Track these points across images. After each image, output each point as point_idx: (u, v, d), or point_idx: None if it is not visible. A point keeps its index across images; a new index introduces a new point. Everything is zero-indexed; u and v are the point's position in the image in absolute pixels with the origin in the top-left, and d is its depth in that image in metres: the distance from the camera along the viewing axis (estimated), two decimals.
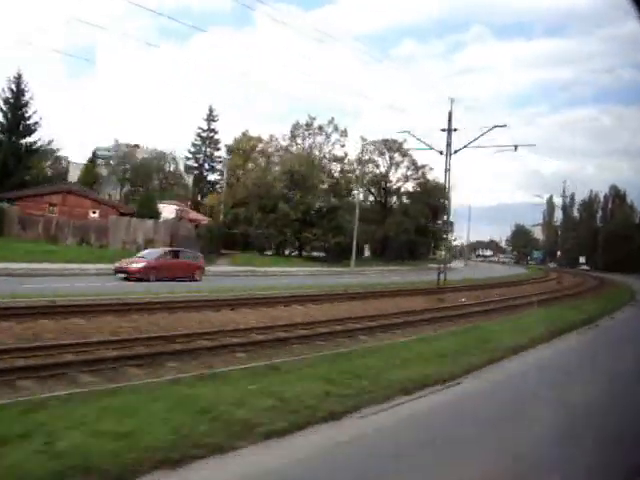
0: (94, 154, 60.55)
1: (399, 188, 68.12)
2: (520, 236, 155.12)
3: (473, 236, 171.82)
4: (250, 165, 51.59)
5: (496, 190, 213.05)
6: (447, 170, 29.62)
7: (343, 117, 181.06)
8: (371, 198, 69.81)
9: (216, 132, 59.65)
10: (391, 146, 63.08)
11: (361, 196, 60.22)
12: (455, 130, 28.54)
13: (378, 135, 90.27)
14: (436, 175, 62.18)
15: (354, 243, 47.21)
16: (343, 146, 56.38)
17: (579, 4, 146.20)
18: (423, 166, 65.67)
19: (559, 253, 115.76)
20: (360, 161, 59.12)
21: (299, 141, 55.77)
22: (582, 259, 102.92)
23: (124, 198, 58.37)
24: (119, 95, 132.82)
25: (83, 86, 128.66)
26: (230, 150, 54.63)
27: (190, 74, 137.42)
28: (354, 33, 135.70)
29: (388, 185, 67.99)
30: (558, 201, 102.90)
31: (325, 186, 54.20)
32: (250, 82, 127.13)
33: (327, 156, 56.67)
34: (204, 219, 44.98)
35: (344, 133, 55.86)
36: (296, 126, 56.54)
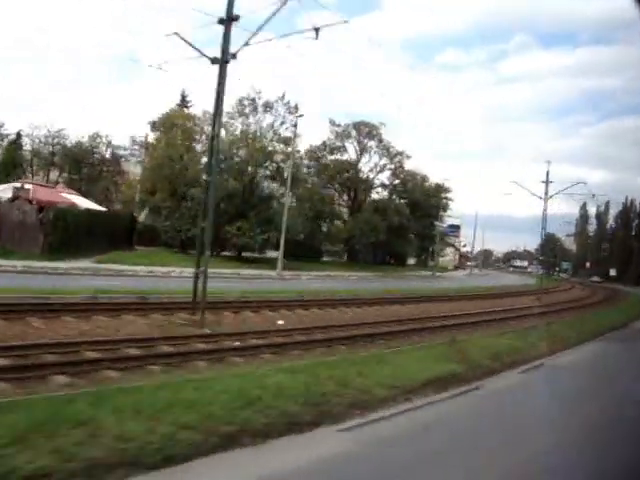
0: (18, 135, 53.09)
1: (370, 178, 57.39)
2: (550, 246, 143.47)
3: (506, 246, 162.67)
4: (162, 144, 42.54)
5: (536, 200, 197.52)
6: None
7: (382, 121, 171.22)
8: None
9: None
10: (361, 128, 52.76)
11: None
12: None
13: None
14: (416, 164, 51.67)
15: (282, 241, 37.45)
16: (295, 126, 46.71)
17: (626, 10, 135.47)
18: (399, 153, 54.90)
19: (588, 264, 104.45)
20: (326, 146, 49.36)
21: (240, 120, 46.35)
22: (613, 272, 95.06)
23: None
24: None
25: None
26: (154, 127, 45.88)
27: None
28: (398, 40, 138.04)
29: (359, 175, 57.47)
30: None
31: (267, 172, 44.85)
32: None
33: (275, 138, 47.06)
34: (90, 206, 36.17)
35: (295, 110, 46.10)
36: (241, 102, 47.27)
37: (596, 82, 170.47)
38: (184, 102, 54.66)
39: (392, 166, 55.68)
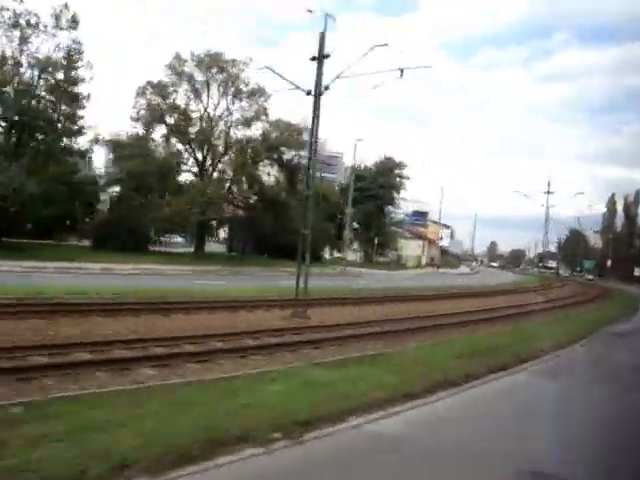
0: None
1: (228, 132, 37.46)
2: (573, 243, 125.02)
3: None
4: None
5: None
6: None
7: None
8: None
9: None
10: (210, 64, 34.66)
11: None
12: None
13: None
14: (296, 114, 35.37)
15: None
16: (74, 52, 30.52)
17: None
18: (261, 92, 35.50)
19: (609, 263, 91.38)
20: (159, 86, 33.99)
21: None
22: (638, 271, 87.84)
23: None
24: None
25: None
26: None
27: None
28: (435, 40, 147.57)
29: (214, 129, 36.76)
30: None
31: None
32: None
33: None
34: None
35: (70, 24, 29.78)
36: None
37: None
38: None
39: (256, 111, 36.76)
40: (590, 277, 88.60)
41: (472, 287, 34.45)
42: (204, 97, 34.28)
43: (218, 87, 34.11)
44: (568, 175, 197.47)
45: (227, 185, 34.74)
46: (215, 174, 32.87)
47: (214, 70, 33.34)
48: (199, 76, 33.57)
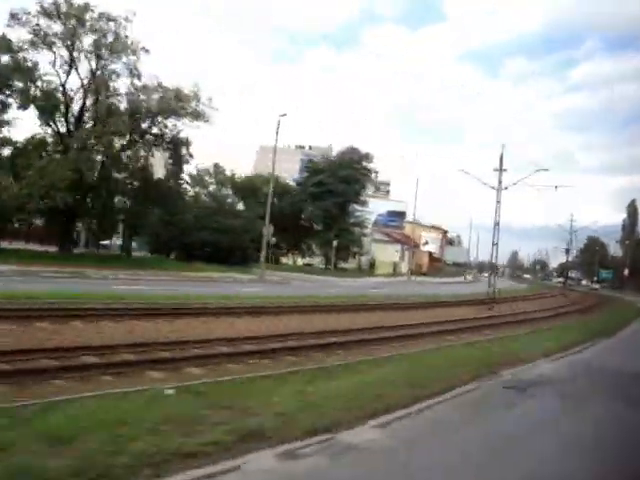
0: None
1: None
2: (592, 252, 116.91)
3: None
4: None
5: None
6: None
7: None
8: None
9: None
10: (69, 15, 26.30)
11: None
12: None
13: None
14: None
15: None
16: None
17: None
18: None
19: (626, 272, 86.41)
20: None
21: None
22: None
23: None
24: None
25: None
26: None
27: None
28: (462, 50, 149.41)
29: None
30: None
31: None
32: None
33: None
34: None
35: None
36: None
37: None
38: None
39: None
40: (595, 287, 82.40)
41: (426, 297, 27.11)
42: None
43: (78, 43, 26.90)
44: (592, 183, 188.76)
45: (98, 165, 27.73)
46: (74, 150, 25.72)
47: (73, 22, 26.29)
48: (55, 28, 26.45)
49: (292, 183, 51.73)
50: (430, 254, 70.29)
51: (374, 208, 55.85)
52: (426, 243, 66.55)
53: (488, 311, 23.13)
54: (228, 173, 47.50)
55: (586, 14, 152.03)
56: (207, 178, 45.59)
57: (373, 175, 50.12)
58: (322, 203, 47.61)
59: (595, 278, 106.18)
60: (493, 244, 29.38)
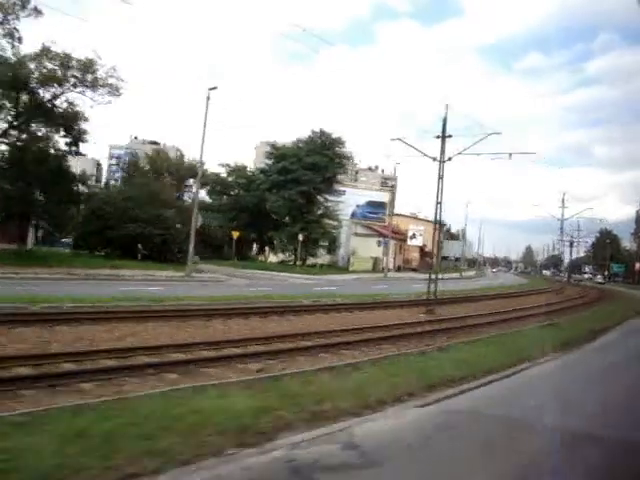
0: None
1: None
2: (604, 245, 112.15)
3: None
4: None
5: None
6: None
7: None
8: None
9: None
10: None
11: None
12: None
13: None
14: None
15: None
16: None
17: None
18: None
19: (638, 266, 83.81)
20: None
21: None
22: None
23: None
24: None
25: None
26: None
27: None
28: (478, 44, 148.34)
29: None
30: None
31: None
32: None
33: None
34: None
35: None
36: None
37: None
38: None
39: None
40: (601, 281, 79.24)
41: (372, 297, 22.63)
42: None
43: None
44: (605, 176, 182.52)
45: None
46: None
47: None
48: None
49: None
50: (422, 249, 65.19)
51: (354, 199, 51.14)
52: (413, 236, 61.44)
53: (424, 314, 18.38)
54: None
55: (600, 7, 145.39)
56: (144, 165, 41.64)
57: (347, 162, 45.34)
58: (287, 192, 43.10)
59: (606, 272, 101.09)
60: (451, 237, 24.44)
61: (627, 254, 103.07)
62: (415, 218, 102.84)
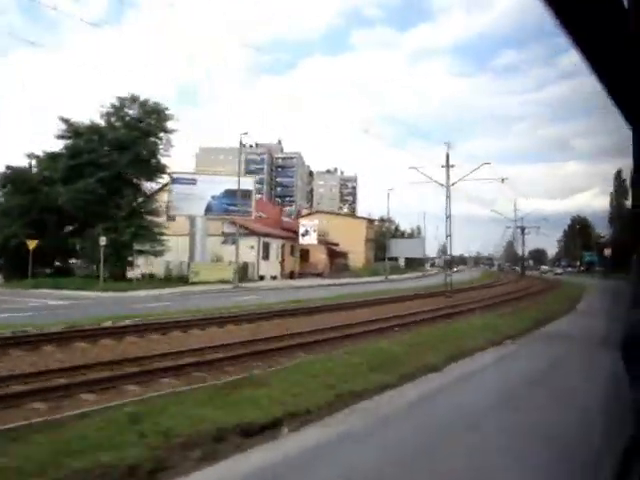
0: None
1: None
2: (575, 234, 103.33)
3: None
4: None
5: None
6: None
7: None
8: None
9: None
10: None
11: None
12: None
13: None
14: None
15: None
16: None
17: None
18: None
19: (606, 251, 72.51)
20: None
21: None
22: None
23: None
24: None
25: None
26: None
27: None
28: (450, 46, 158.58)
29: None
30: None
31: None
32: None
33: None
34: None
35: None
36: None
37: None
38: None
39: None
40: (559, 272, 77.89)
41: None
42: None
43: None
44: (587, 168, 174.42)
45: None
46: None
47: None
48: None
49: None
50: (330, 249, 53.38)
51: (212, 189, 39.39)
52: (306, 233, 49.30)
53: None
54: None
55: None
56: None
57: (164, 136, 33.66)
58: (82, 183, 31.44)
59: (578, 263, 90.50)
60: None
61: (600, 242, 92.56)
62: (350, 216, 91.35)
